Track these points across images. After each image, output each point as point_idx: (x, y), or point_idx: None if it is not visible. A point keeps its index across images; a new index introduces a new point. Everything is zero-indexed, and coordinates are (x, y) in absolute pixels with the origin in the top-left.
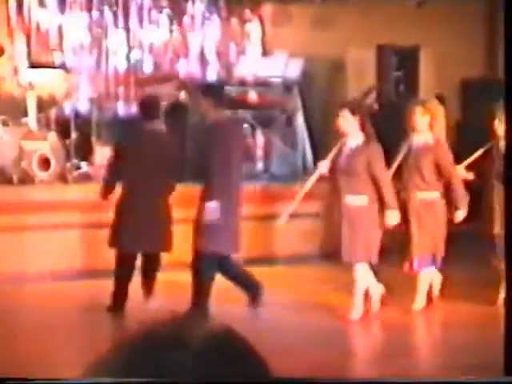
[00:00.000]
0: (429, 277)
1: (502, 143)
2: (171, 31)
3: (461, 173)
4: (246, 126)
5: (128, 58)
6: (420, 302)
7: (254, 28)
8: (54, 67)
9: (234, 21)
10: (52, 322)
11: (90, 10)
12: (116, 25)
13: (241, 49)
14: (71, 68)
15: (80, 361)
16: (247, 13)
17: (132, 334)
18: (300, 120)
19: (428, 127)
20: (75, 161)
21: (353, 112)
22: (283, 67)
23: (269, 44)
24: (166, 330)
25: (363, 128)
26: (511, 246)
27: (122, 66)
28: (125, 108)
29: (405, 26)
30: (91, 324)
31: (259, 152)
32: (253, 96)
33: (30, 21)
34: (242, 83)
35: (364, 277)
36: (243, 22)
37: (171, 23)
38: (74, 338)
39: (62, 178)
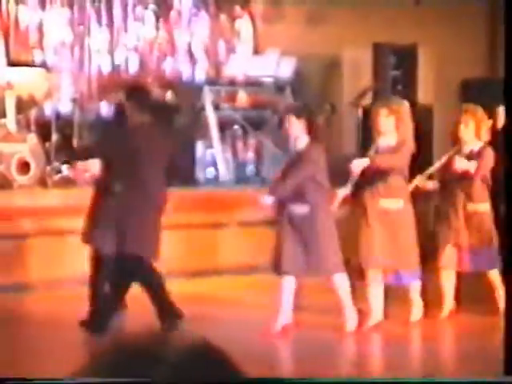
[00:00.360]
0: (419, 288)
1: (467, 147)
2: (157, 28)
3: (421, 183)
4: (236, 127)
5: (112, 57)
6: (416, 313)
7: (244, 25)
8: (34, 66)
9: (223, 17)
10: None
11: (71, 6)
12: (99, 22)
13: (231, 47)
14: (52, 67)
15: None
16: (237, 9)
17: (108, 347)
18: None
19: (394, 129)
20: (56, 164)
21: (297, 115)
22: (275, 66)
23: (260, 42)
24: (142, 343)
25: (310, 131)
26: (510, 250)
27: (106, 65)
28: (108, 109)
29: (403, 23)
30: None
31: (250, 154)
32: (242, 96)
33: (8, 17)
34: (232, 83)
35: (344, 286)
36: (233, 18)
37: (157, 20)
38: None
39: (42, 182)
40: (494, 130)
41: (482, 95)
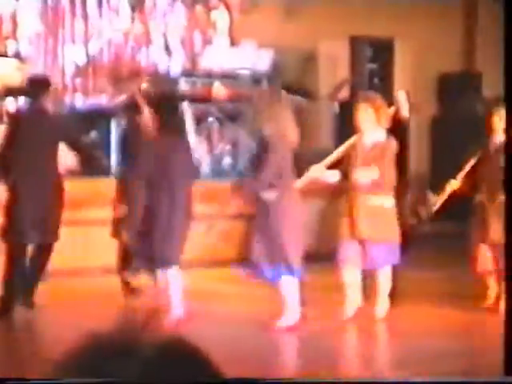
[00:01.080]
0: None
1: (369, 136)
2: (132, 19)
3: (318, 174)
4: (211, 119)
5: (86, 48)
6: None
7: (220, 16)
8: (8, 56)
9: (199, 8)
10: None
11: None
12: (73, 12)
13: (207, 38)
14: (26, 57)
15: None
16: None
17: (82, 345)
18: None
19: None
20: None
21: (150, 107)
22: (252, 58)
23: (236, 33)
24: (116, 338)
25: (157, 124)
26: (511, 248)
27: (80, 56)
28: (83, 100)
29: (379, 17)
30: None
31: (226, 147)
32: (218, 88)
33: None
34: (208, 75)
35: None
36: (209, 9)
37: (132, 11)
38: None
39: None
40: (396, 117)
41: (459, 88)
